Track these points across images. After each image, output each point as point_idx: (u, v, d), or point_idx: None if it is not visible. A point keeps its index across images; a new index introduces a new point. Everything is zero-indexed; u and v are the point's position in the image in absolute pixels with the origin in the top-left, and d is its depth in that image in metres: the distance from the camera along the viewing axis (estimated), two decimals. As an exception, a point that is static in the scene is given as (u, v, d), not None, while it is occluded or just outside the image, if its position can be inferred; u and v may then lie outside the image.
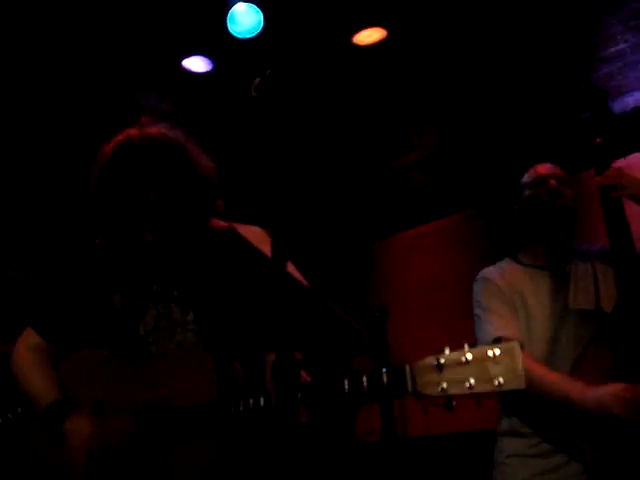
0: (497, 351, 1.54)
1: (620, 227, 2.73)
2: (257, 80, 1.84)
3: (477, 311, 2.96)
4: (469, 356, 1.55)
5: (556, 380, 2.62)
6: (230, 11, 4.80)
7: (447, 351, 1.60)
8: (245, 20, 4.84)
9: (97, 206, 2.09)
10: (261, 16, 4.80)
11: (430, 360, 1.59)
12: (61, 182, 4.93)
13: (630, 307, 2.60)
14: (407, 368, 1.62)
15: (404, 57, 5.38)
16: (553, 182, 2.96)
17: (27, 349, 2.24)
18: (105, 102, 5.31)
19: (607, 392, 2.47)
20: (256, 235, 2.18)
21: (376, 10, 4.97)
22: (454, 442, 4.89)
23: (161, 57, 5.47)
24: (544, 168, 3.06)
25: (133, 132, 2.13)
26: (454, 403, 1.57)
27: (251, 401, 1.79)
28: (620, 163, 4.27)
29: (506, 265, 3.06)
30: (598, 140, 2.89)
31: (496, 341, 2.73)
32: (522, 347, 2.62)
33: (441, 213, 5.44)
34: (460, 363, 1.55)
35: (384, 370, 1.66)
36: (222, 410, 1.83)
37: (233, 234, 2.20)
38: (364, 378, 1.68)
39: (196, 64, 5.48)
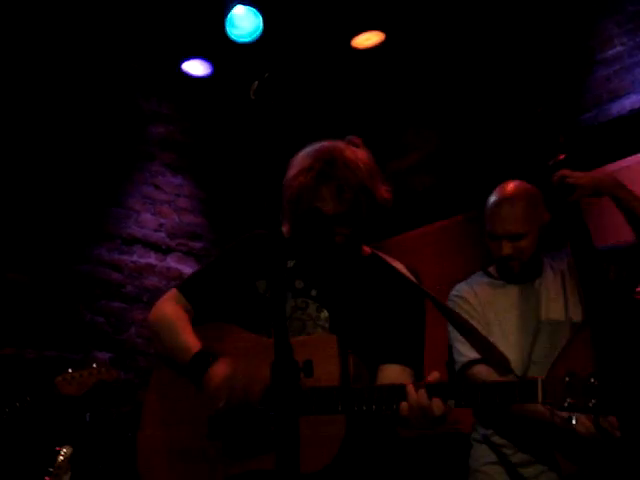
0: (614, 382, 1.72)
1: (580, 234, 2.74)
2: (255, 83, 1.86)
3: (451, 332, 2.95)
4: (595, 380, 1.72)
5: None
6: (229, 15, 4.82)
7: (578, 372, 1.77)
8: (244, 24, 4.86)
9: (293, 202, 2.30)
10: (260, 20, 4.82)
11: (561, 377, 1.75)
12: (61, 184, 4.95)
13: (596, 314, 2.61)
14: (539, 381, 1.77)
15: (402, 60, 5.40)
16: (506, 250, 2.90)
17: (175, 303, 2.42)
18: (105, 105, 5.34)
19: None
20: (398, 265, 2.40)
21: (374, 14, 4.99)
22: (451, 442, 4.89)
23: (161, 61, 5.49)
24: (500, 222, 2.94)
25: (339, 145, 2.39)
26: (574, 421, 1.82)
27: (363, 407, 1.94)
28: (618, 165, 4.33)
29: (478, 280, 3.07)
30: (561, 157, 2.88)
31: (474, 362, 2.83)
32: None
33: (441, 215, 5.45)
34: (587, 384, 1.72)
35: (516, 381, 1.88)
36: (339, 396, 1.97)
37: (378, 258, 2.42)
38: (497, 386, 1.85)
39: (196, 67, 5.50)
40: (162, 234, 5.59)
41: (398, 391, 1.92)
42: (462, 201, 5.20)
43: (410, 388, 1.89)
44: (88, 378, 3.80)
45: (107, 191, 5.29)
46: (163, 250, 5.57)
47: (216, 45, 5.19)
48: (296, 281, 2.35)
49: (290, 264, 2.39)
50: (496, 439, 2.86)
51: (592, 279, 2.68)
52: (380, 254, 2.44)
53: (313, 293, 2.31)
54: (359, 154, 2.36)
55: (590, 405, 1.69)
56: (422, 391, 1.87)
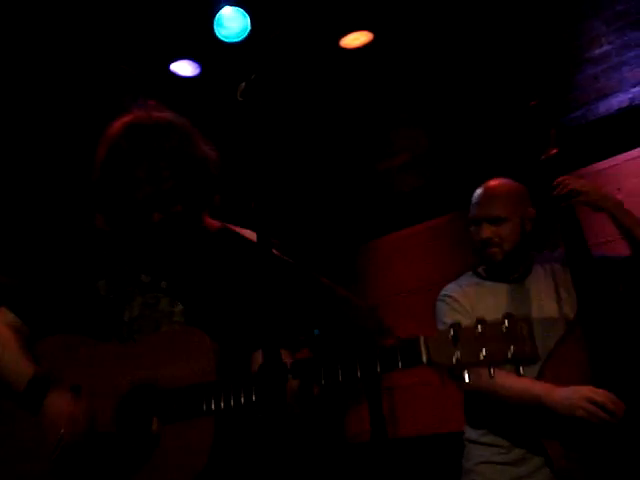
0: (508, 325, 1.60)
1: (575, 236, 2.77)
2: (242, 84, 1.85)
3: (441, 329, 2.96)
4: (482, 329, 1.61)
5: (526, 384, 2.65)
6: (217, 15, 4.81)
7: (462, 325, 1.65)
8: (232, 24, 4.84)
9: (105, 183, 2.09)
10: (248, 20, 4.81)
11: (445, 333, 1.63)
12: (50, 185, 4.93)
13: (590, 315, 2.64)
14: (421, 339, 1.64)
15: (391, 60, 5.40)
16: (485, 233, 2.93)
17: (2, 324, 2.11)
18: (92, 106, 5.31)
19: (576, 394, 2.52)
20: (251, 236, 2.13)
21: (363, 13, 4.99)
22: (444, 443, 4.90)
23: (148, 61, 5.47)
24: (480, 205, 3.01)
25: (143, 113, 2.12)
26: (466, 376, 1.62)
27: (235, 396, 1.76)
28: (607, 164, 4.34)
29: (467, 280, 3.08)
30: (553, 152, 2.90)
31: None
32: None
33: (428, 215, 5.45)
34: (474, 336, 1.60)
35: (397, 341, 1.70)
36: (221, 390, 1.79)
37: (228, 231, 2.21)
38: (378, 350, 1.69)
39: (183, 68, 5.48)
40: (151, 235, 5.56)
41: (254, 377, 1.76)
42: (450, 201, 5.21)
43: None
44: None
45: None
46: (152, 251, 5.54)
47: (204, 45, 5.18)
48: (141, 276, 2.10)
49: (131, 257, 2.15)
50: (488, 439, 2.86)
51: (585, 278, 2.70)
52: (230, 227, 2.24)
53: (163, 285, 2.08)
54: (166, 115, 2.12)
55: (481, 357, 1.58)
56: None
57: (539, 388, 2.62)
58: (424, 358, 1.63)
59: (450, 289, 3.06)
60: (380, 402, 5.00)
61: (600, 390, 2.51)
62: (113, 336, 2.04)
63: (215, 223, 2.24)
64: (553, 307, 2.87)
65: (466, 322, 2.83)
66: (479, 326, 1.61)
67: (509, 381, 2.67)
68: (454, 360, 1.59)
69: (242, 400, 1.74)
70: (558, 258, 2.99)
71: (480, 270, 3.09)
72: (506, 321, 1.60)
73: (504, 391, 2.68)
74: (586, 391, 2.51)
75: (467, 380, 1.62)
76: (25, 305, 2.14)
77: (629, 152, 4.34)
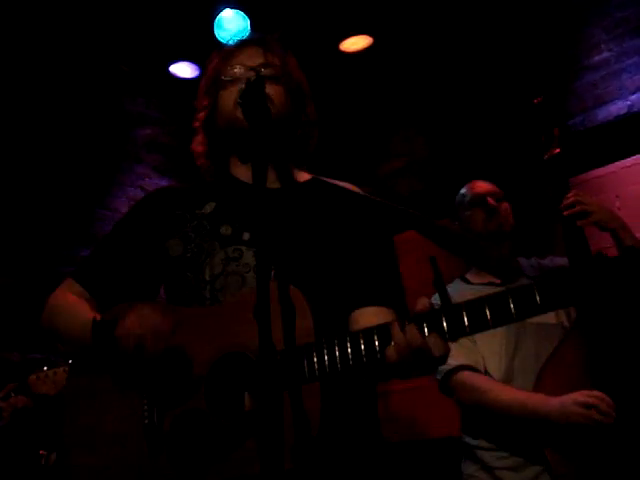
0: None
1: (582, 252, 2.74)
2: (242, 86, 1.84)
3: None
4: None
5: (522, 399, 2.65)
6: (217, 17, 4.82)
7: None
8: (232, 26, 4.85)
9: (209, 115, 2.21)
10: (248, 22, 4.82)
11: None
12: (47, 185, 4.92)
13: (590, 325, 2.62)
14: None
15: (390, 64, 5.41)
16: (491, 200, 2.99)
17: (67, 291, 1.97)
18: (92, 107, 5.31)
19: (568, 400, 2.51)
20: (349, 186, 2.03)
21: (362, 18, 4.99)
22: (439, 447, 4.89)
23: (148, 63, 5.47)
24: (480, 186, 3.09)
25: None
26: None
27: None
28: (604, 171, 4.34)
29: (456, 287, 3.07)
30: (556, 151, 2.88)
31: (459, 369, 2.80)
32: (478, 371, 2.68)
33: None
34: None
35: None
36: (321, 352, 1.52)
37: (321, 181, 2.06)
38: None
39: (183, 70, 5.49)
40: (148, 237, 5.56)
41: (380, 333, 1.49)
42: (448, 206, 5.21)
43: (394, 327, 1.48)
44: (62, 375, 3.58)
45: (93, 193, 5.26)
46: (149, 253, 5.53)
47: (204, 47, 5.17)
48: (221, 227, 1.91)
49: (209, 209, 1.97)
50: (488, 445, 2.85)
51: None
52: (323, 178, 2.07)
53: (245, 237, 1.87)
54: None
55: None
56: (411, 327, 1.46)
57: (534, 401, 2.61)
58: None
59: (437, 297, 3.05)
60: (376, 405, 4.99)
61: (593, 392, 2.50)
62: (194, 298, 1.84)
63: (306, 174, 2.11)
64: (550, 313, 2.86)
65: None
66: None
67: (504, 396, 2.68)
68: None
69: (349, 361, 1.50)
70: (547, 266, 2.98)
71: (469, 276, 3.09)
72: None
73: (500, 407, 2.69)
74: (577, 396, 2.51)
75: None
76: (92, 276, 1.98)
77: (628, 159, 4.33)
